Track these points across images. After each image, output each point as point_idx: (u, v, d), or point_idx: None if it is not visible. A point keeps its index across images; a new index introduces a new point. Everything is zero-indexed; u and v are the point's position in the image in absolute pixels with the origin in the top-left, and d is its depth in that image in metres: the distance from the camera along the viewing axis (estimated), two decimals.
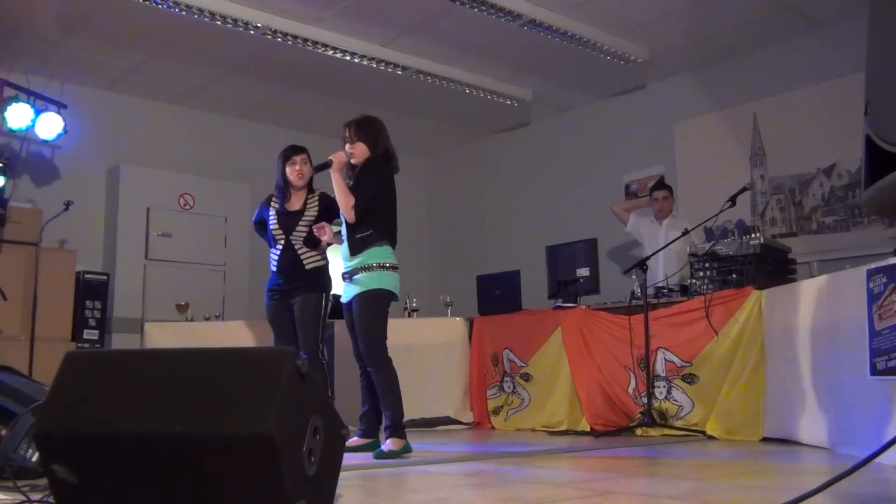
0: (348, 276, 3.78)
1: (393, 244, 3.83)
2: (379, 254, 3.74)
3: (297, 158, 4.27)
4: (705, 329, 4.38)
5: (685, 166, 6.60)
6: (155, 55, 6.26)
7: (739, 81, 6.33)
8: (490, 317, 5.71)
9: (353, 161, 3.82)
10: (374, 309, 3.73)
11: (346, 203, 3.72)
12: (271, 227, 4.27)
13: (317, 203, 4.28)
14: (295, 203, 4.29)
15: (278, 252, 4.23)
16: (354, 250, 3.74)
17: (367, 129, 3.84)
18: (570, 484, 2.66)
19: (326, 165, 3.79)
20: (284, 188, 4.29)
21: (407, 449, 3.65)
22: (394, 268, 3.78)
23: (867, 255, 4.86)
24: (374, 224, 3.75)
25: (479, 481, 2.82)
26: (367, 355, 3.71)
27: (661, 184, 6.01)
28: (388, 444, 3.62)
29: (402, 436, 3.67)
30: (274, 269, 4.25)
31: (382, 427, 3.80)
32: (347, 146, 3.83)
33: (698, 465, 3.21)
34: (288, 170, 4.26)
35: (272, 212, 4.30)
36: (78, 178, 6.59)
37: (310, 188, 4.34)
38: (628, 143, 7.04)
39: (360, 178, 3.79)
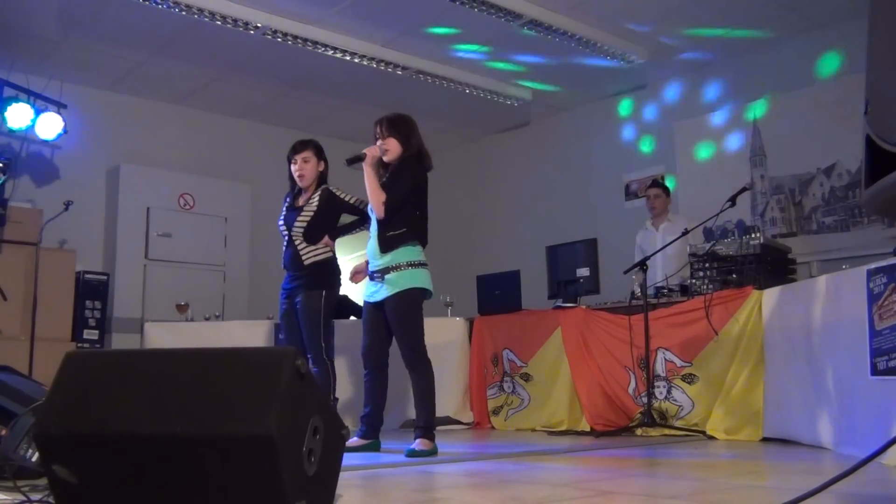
0: (378, 275, 3.72)
1: (424, 244, 3.81)
2: (408, 253, 3.71)
3: (298, 158, 4.18)
4: (705, 329, 4.37)
5: (685, 166, 6.60)
6: (155, 55, 6.26)
7: (739, 81, 6.33)
8: (490, 317, 5.71)
9: (385, 158, 3.77)
10: (409, 309, 3.70)
11: (377, 198, 3.67)
12: (279, 222, 4.25)
13: (318, 197, 4.17)
14: (302, 199, 4.23)
15: (284, 249, 4.22)
16: (385, 248, 3.69)
17: (399, 126, 3.80)
18: (570, 484, 2.66)
19: (360, 158, 3.74)
20: (293, 187, 4.26)
21: (435, 451, 3.61)
22: (423, 265, 3.75)
23: (867, 255, 4.86)
24: (407, 223, 3.72)
25: (479, 481, 2.82)
26: (409, 357, 3.68)
27: (654, 182, 6.06)
28: (418, 444, 3.59)
29: (432, 437, 3.65)
30: (283, 266, 4.23)
31: (413, 427, 3.76)
32: (379, 142, 3.78)
33: (698, 465, 3.21)
34: (291, 169, 4.23)
35: (283, 207, 4.27)
36: (78, 178, 6.60)
37: (319, 185, 4.24)
38: (628, 143, 7.04)
39: (394, 176, 3.74)
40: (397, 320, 3.69)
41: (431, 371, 3.72)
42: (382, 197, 3.66)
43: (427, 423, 3.65)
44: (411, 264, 3.69)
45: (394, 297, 3.67)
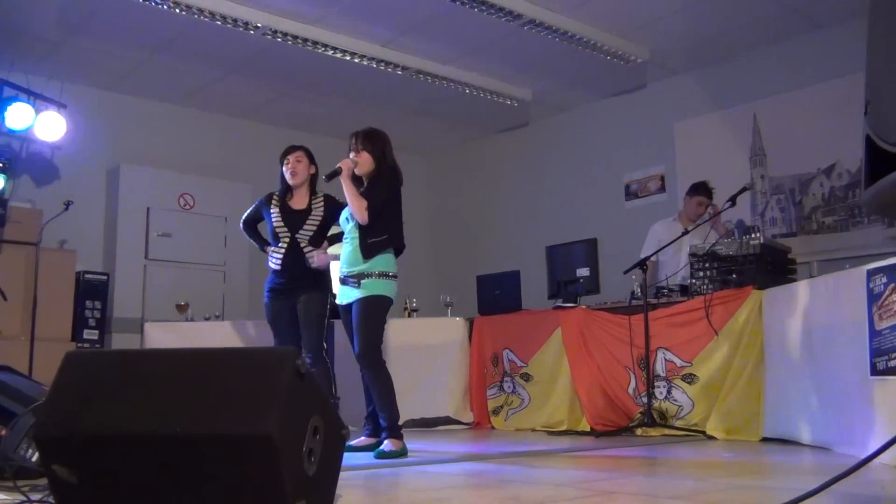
0: (353, 279, 3.83)
1: (399, 253, 3.94)
2: (385, 261, 3.83)
3: (291, 157, 4.28)
4: (705, 329, 4.38)
5: (685, 166, 6.60)
6: (155, 55, 6.26)
7: (739, 81, 6.32)
8: (490, 317, 5.71)
9: (357, 171, 3.88)
10: (376, 313, 3.81)
11: (359, 205, 3.77)
12: (275, 225, 4.25)
13: (322, 204, 4.28)
14: (299, 202, 4.28)
15: (281, 251, 4.22)
16: (367, 254, 3.79)
17: (373, 140, 3.92)
18: (570, 484, 2.66)
19: (337, 173, 3.84)
20: (285, 189, 4.32)
21: (404, 450, 3.68)
22: (395, 276, 3.88)
23: (867, 255, 4.86)
24: (388, 230, 3.84)
25: (479, 481, 2.82)
26: (363, 358, 3.76)
27: (706, 188, 5.47)
28: (388, 445, 3.65)
29: (399, 437, 3.72)
30: (277, 267, 4.22)
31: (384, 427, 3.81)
32: (352, 155, 3.90)
33: (698, 465, 3.21)
34: (283, 169, 4.30)
35: (274, 210, 4.28)
36: (78, 178, 6.59)
37: (312, 189, 4.34)
38: (628, 143, 7.04)
39: (371, 186, 3.87)
40: (361, 319, 3.78)
41: (385, 371, 3.79)
42: (364, 203, 3.78)
43: (391, 423, 3.72)
44: (383, 274, 3.82)
45: (364, 300, 3.78)
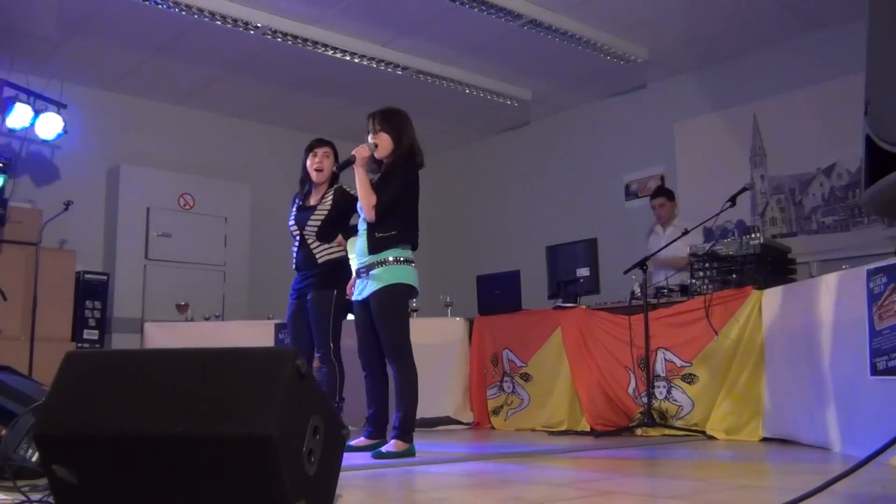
0: (364, 271, 3.67)
1: (414, 247, 3.75)
2: (397, 251, 3.64)
3: (319, 151, 4.16)
4: (705, 329, 4.37)
5: (685, 166, 6.60)
6: (155, 55, 6.26)
7: (739, 81, 6.33)
8: (490, 317, 5.71)
9: (376, 154, 3.70)
10: (393, 304, 3.62)
11: (367, 202, 3.60)
12: (289, 223, 4.21)
13: (331, 196, 4.15)
14: (314, 199, 4.20)
15: (295, 249, 4.18)
16: (375, 249, 3.63)
17: (392, 120, 3.74)
18: (570, 484, 2.66)
19: (349, 162, 3.68)
20: (305, 182, 4.22)
21: (410, 452, 3.53)
22: (410, 262, 3.69)
23: (867, 255, 4.86)
24: (398, 225, 3.65)
25: (479, 481, 2.82)
26: (390, 352, 3.60)
27: (658, 190, 5.97)
28: (390, 446, 3.53)
29: (408, 439, 3.56)
30: (293, 265, 4.20)
31: (389, 426, 3.70)
32: (371, 137, 3.72)
33: (698, 465, 3.21)
34: (308, 161, 4.18)
35: (293, 209, 4.24)
36: (78, 178, 6.60)
37: (331, 184, 4.22)
38: (628, 143, 7.04)
39: (385, 177, 3.69)
40: (380, 314, 3.60)
41: (413, 370, 3.63)
42: (373, 200, 3.60)
43: (403, 424, 3.56)
44: (398, 260, 3.63)
45: (379, 291, 3.60)
